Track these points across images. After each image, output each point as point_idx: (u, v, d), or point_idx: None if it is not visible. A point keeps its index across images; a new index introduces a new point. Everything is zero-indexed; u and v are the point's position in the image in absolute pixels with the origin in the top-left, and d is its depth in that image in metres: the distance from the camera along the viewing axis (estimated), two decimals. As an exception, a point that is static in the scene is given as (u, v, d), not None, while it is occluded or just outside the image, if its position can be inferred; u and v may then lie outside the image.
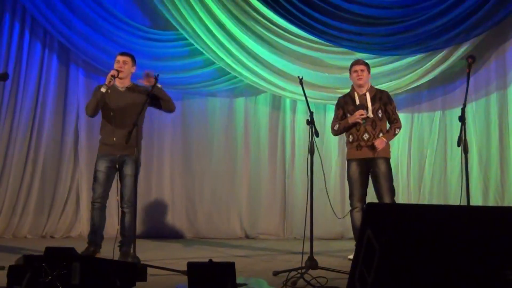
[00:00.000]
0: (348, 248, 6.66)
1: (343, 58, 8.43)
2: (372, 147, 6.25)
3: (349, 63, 8.34)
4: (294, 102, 8.68)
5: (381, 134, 6.32)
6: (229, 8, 8.39)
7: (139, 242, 5.86)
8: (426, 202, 8.09)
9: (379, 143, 6.24)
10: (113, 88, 6.22)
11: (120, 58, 6.29)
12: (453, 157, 8.16)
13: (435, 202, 8.09)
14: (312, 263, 5.19)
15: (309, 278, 4.78)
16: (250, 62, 8.47)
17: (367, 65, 6.54)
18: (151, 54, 8.63)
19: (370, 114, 6.29)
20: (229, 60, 8.46)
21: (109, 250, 6.01)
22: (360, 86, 6.44)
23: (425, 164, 8.41)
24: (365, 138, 6.31)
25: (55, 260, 3.96)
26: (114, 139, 6.13)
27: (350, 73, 6.58)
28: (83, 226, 8.69)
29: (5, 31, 8.67)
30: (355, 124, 6.33)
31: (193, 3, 8.41)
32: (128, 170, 6.15)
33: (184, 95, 8.85)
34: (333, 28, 8.25)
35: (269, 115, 8.83)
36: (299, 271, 4.98)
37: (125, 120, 6.09)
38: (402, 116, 8.46)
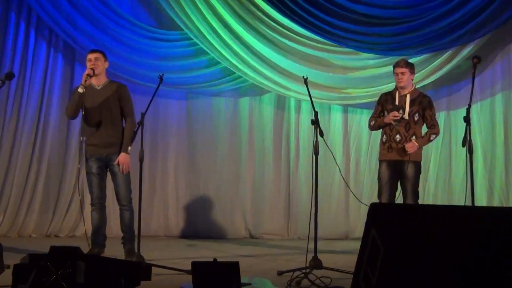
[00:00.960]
0: (352, 248, 6.64)
1: (348, 58, 8.44)
2: (403, 150, 6.20)
3: (353, 63, 8.42)
4: (298, 102, 8.69)
5: (413, 138, 6.23)
6: (234, 7, 8.39)
7: (143, 241, 5.86)
8: (430, 203, 8.08)
9: (410, 146, 6.18)
10: (90, 87, 6.15)
11: (91, 56, 6.21)
12: (458, 157, 8.15)
13: (439, 202, 8.08)
14: (316, 263, 5.19)
15: (313, 278, 4.79)
16: (255, 62, 8.47)
17: (409, 66, 6.37)
18: (156, 53, 8.65)
19: (406, 116, 6.23)
20: (233, 60, 8.46)
21: (115, 250, 6.03)
22: (402, 88, 6.35)
23: (429, 164, 8.39)
24: (397, 140, 6.26)
25: (60, 259, 3.97)
26: (96, 139, 6.10)
27: (393, 73, 6.46)
28: (87, 226, 8.66)
29: (10, 30, 8.68)
30: (389, 124, 6.29)
31: (198, 2, 8.41)
32: (116, 167, 6.10)
33: (188, 94, 8.87)
34: (338, 28, 8.24)
35: (273, 115, 8.83)
36: (303, 271, 4.98)
37: (102, 118, 6.08)
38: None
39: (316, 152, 5.47)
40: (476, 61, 5.71)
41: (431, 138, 6.39)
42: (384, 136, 6.38)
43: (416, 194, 6.26)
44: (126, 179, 6.10)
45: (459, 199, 7.94)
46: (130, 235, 6.13)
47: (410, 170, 6.22)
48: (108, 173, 6.27)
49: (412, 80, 6.42)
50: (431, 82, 8.30)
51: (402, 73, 6.30)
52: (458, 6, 7.97)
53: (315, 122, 5.51)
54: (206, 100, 8.89)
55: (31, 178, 8.59)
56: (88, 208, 8.53)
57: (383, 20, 8.27)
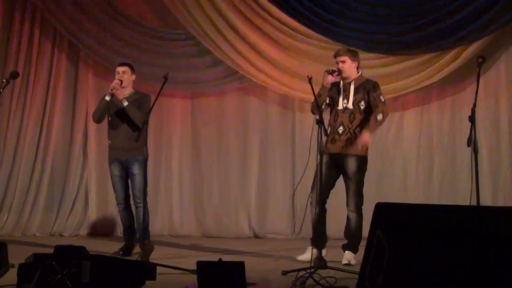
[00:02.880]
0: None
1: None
2: (346, 142, 5.88)
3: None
4: (303, 102, 8.67)
5: (358, 129, 5.97)
6: (238, 6, 8.39)
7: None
8: (435, 202, 8.05)
9: (362, 140, 5.90)
10: (115, 96, 6.53)
11: (119, 69, 6.65)
12: (463, 157, 8.09)
13: (444, 202, 8.04)
14: (321, 263, 5.18)
15: (318, 278, 4.78)
16: (259, 61, 8.45)
17: (349, 53, 6.11)
18: (161, 53, 8.65)
19: (350, 105, 5.98)
20: (238, 59, 8.44)
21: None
22: (344, 77, 6.10)
23: (434, 164, 8.37)
24: (340, 132, 6.02)
25: (65, 259, 3.98)
26: (117, 143, 6.55)
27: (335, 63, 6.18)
28: (91, 225, 8.73)
29: (15, 30, 8.71)
30: (324, 96, 6.01)
31: (202, 2, 8.41)
32: (135, 170, 6.49)
33: (193, 93, 8.87)
34: (342, 27, 8.22)
35: (278, 114, 8.81)
36: (308, 270, 4.97)
37: (123, 125, 6.53)
38: (411, 115, 8.47)
39: (321, 151, 5.47)
40: (481, 61, 5.69)
41: (378, 118, 5.95)
42: (329, 128, 6.05)
43: (358, 194, 6.01)
44: (142, 179, 6.44)
45: (463, 198, 7.91)
46: (144, 231, 6.41)
47: (351, 165, 5.98)
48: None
49: (357, 68, 6.14)
50: (435, 82, 8.26)
51: (343, 61, 6.07)
52: (462, 5, 7.94)
53: (320, 122, 5.50)
54: (211, 99, 8.89)
55: (35, 177, 8.63)
56: (92, 208, 8.67)
57: (387, 19, 8.24)
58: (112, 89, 6.41)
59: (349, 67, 6.09)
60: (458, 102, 8.28)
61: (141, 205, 6.43)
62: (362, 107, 6.05)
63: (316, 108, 5.70)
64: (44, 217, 8.60)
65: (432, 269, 3.40)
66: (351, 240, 6.10)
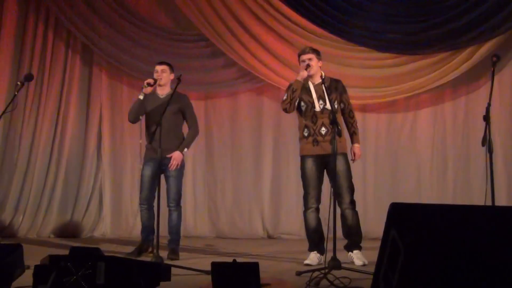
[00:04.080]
0: (371, 248, 6.60)
1: (364, 57, 8.38)
2: (330, 143, 5.64)
3: (371, 62, 8.36)
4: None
5: (338, 128, 5.78)
6: (250, 7, 8.39)
7: (162, 241, 5.90)
8: (449, 202, 8.01)
9: (358, 154, 6.09)
10: (154, 96, 6.56)
11: (158, 67, 6.63)
12: (477, 157, 8.04)
13: (458, 202, 8.00)
14: (335, 263, 5.17)
15: (332, 279, 4.77)
16: (272, 61, 8.44)
17: (315, 53, 6.07)
18: (174, 54, 8.65)
19: (328, 106, 5.88)
20: (250, 60, 8.44)
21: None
22: (311, 76, 6.03)
23: (448, 163, 8.33)
24: (323, 133, 5.96)
25: (80, 260, 4.00)
26: (156, 143, 6.17)
27: (299, 63, 6.17)
28: (106, 226, 8.76)
29: (29, 32, 8.77)
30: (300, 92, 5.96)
31: (214, 2, 8.42)
32: (172, 171, 6.48)
33: (206, 94, 8.88)
34: (355, 27, 8.20)
35: (291, 115, 8.74)
36: (322, 271, 4.97)
37: (162, 125, 6.10)
38: (425, 115, 8.44)
39: (334, 152, 5.46)
40: (495, 59, 5.67)
41: (356, 132, 6.15)
42: (305, 131, 6.03)
43: (352, 189, 6.01)
44: (177, 183, 6.52)
45: (478, 199, 7.86)
46: (176, 236, 6.53)
47: (340, 163, 5.89)
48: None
49: (320, 67, 6.09)
50: (449, 81, 8.22)
51: (310, 59, 5.99)
52: (476, 3, 7.90)
53: (333, 122, 5.49)
54: (224, 100, 8.90)
55: (50, 179, 8.68)
56: (107, 209, 8.71)
57: (400, 18, 8.21)
58: (144, 87, 6.38)
59: (315, 65, 6.04)
60: (472, 102, 8.23)
61: (176, 208, 6.52)
62: (338, 106, 6.05)
63: (291, 105, 5.90)
64: (58, 218, 8.64)
65: (447, 269, 3.38)
66: (354, 239, 6.08)
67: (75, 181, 8.79)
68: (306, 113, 6.06)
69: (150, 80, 6.42)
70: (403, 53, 8.27)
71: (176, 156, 6.45)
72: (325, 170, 6.06)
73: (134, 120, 6.63)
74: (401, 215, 3.53)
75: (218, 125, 8.86)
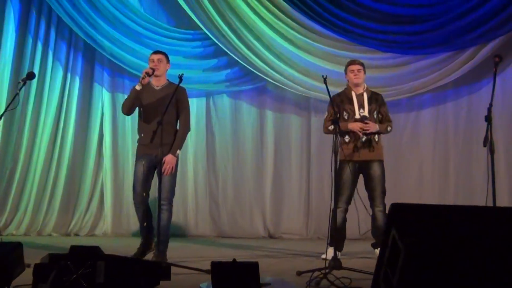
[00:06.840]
0: (372, 249, 6.60)
1: (367, 57, 8.35)
2: (369, 151, 6.31)
3: (374, 62, 8.35)
4: (318, 101, 8.64)
5: (376, 136, 6.38)
6: (253, 7, 8.38)
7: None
8: (451, 203, 8.00)
9: (371, 126, 6.29)
10: (149, 87, 6.19)
11: (154, 56, 6.24)
12: (479, 157, 8.02)
13: (460, 202, 7.98)
14: (336, 263, 5.17)
15: (332, 279, 4.76)
16: (275, 61, 8.44)
17: (363, 65, 6.57)
18: (176, 53, 8.64)
19: (367, 114, 6.33)
20: (253, 60, 8.44)
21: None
22: (357, 85, 6.46)
23: (450, 164, 8.32)
24: (363, 140, 6.33)
25: (80, 259, 3.99)
26: (150, 138, 5.82)
27: (346, 73, 6.59)
28: (107, 224, 8.76)
29: (31, 30, 8.78)
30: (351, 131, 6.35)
31: (217, 2, 8.41)
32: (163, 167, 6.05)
33: (208, 94, 8.87)
34: (359, 27, 8.19)
35: (293, 114, 8.79)
36: (323, 271, 4.96)
37: (157, 119, 5.90)
38: (427, 115, 8.44)
39: (335, 151, 5.47)
40: (498, 60, 5.67)
41: (388, 129, 6.51)
42: (347, 137, 6.37)
43: (384, 193, 6.39)
44: (171, 180, 6.11)
45: (480, 199, 7.83)
46: (164, 238, 6.02)
47: (376, 169, 6.37)
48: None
49: (364, 79, 6.57)
50: (451, 81, 8.22)
51: (359, 70, 6.48)
52: (479, 4, 7.88)
53: (336, 122, 5.51)
54: (226, 99, 8.90)
55: (51, 177, 8.69)
56: (108, 207, 8.70)
57: (403, 18, 8.21)
58: (143, 78, 6.00)
59: (363, 76, 6.50)
60: (474, 102, 8.23)
61: (168, 207, 6.07)
62: (377, 117, 6.44)
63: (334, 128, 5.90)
64: (60, 217, 8.65)
65: (447, 270, 3.38)
66: (382, 238, 6.15)
67: (77, 179, 8.80)
68: (348, 121, 6.39)
69: (149, 70, 6.05)
70: (405, 53, 8.26)
71: (169, 160, 6.04)
72: (360, 175, 6.46)
73: (128, 112, 6.28)
74: (401, 216, 3.52)
75: (220, 124, 8.86)
